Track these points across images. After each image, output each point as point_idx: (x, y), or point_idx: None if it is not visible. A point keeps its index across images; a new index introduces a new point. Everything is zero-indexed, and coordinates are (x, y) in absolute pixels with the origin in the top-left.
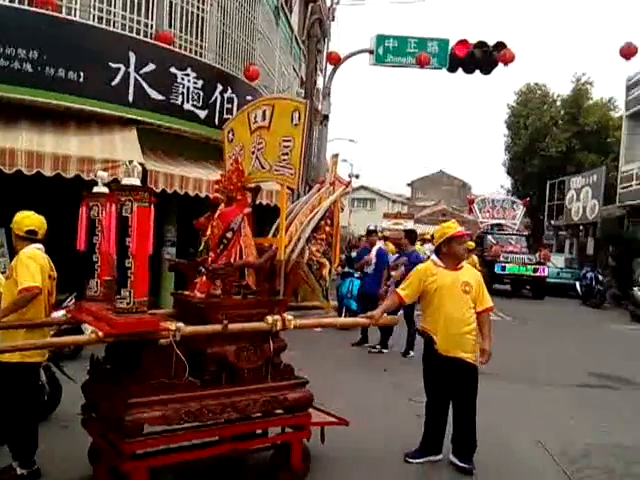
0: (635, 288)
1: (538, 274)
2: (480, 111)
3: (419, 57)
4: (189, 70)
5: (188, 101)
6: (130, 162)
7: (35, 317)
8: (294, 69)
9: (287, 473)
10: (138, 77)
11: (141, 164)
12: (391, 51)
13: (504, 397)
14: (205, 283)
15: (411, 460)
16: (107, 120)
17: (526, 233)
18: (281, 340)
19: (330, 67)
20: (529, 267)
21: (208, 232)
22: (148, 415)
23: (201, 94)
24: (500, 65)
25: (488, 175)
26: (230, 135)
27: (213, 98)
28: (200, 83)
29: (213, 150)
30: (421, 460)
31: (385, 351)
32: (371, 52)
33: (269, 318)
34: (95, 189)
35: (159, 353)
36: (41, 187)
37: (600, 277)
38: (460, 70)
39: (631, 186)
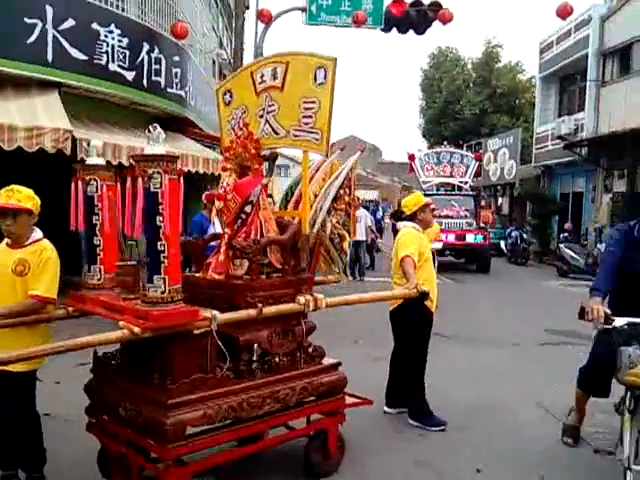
0: (561, 245)
1: (478, 242)
2: (389, 75)
3: (356, 16)
4: (113, 27)
5: (113, 61)
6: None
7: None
8: (214, 29)
9: (325, 461)
10: (57, 34)
11: (69, 131)
12: (324, 9)
13: (477, 362)
14: (222, 263)
15: (434, 428)
16: (24, 83)
17: (473, 193)
18: (310, 321)
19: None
20: (471, 235)
21: (218, 205)
22: (190, 416)
23: (127, 53)
24: (434, 25)
25: (399, 139)
26: (227, 97)
27: (140, 58)
28: (125, 42)
29: (142, 115)
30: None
31: None
32: (303, 10)
33: (301, 298)
34: (89, 160)
35: (192, 345)
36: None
37: (524, 235)
38: (394, 30)
39: (546, 146)
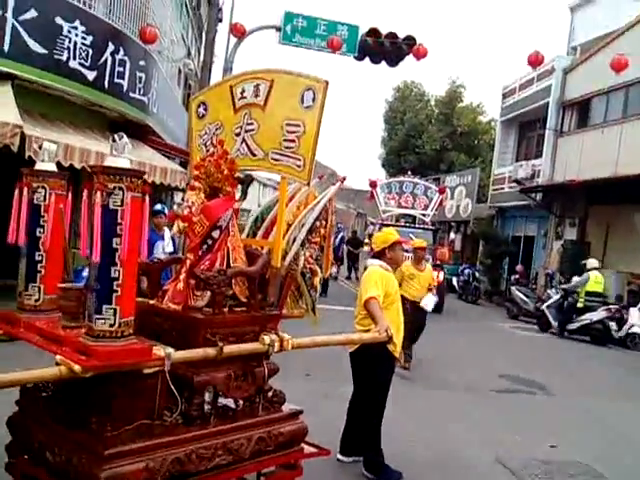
0: (513, 287)
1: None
2: (352, 103)
3: (331, 41)
4: (77, 23)
5: (75, 58)
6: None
7: None
8: (183, 38)
9: None
10: (17, 24)
11: (18, 126)
12: (299, 31)
13: (434, 406)
14: (181, 292)
15: None
16: None
17: (433, 227)
18: (272, 363)
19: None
20: None
21: (179, 226)
22: (129, 469)
23: (90, 52)
24: (406, 59)
25: (358, 167)
26: (201, 109)
27: (103, 58)
28: (89, 39)
29: (100, 118)
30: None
31: None
32: (278, 29)
33: (266, 338)
34: (40, 165)
35: (140, 386)
36: None
37: (477, 274)
38: (367, 59)
39: (503, 188)
